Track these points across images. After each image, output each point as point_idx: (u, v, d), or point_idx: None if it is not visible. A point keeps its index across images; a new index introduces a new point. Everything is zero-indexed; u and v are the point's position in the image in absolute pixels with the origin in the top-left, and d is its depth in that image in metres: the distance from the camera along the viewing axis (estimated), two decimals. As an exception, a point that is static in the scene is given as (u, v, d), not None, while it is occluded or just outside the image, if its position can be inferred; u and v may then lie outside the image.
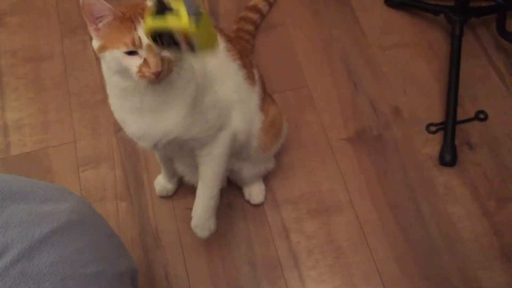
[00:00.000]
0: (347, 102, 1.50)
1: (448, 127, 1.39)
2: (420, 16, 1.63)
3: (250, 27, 1.57)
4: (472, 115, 1.44)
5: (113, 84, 0.93)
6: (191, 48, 0.78)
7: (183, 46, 0.77)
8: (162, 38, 0.77)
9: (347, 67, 1.55)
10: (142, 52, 0.84)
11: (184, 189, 1.35)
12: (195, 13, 0.75)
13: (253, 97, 1.13)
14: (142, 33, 0.82)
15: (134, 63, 0.84)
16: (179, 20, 0.75)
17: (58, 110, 1.50)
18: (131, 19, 0.83)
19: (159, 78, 0.86)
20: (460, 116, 1.42)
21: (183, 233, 1.31)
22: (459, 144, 1.39)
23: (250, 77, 1.11)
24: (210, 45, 0.81)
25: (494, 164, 1.38)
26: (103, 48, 0.86)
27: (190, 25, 0.74)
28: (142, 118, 0.95)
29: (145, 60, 0.84)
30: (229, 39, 1.10)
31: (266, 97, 1.19)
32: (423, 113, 1.46)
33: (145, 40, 0.82)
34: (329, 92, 1.52)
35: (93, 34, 0.87)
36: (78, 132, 1.46)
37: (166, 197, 1.35)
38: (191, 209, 1.22)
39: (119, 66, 0.86)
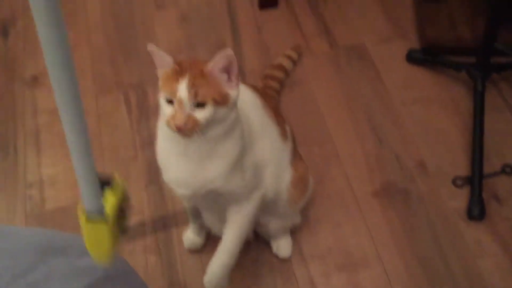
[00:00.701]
0: (372, 156, 1.52)
1: (475, 181, 1.39)
2: (442, 71, 1.66)
3: (275, 85, 1.63)
4: (498, 169, 1.45)
5: (163, 125, 0.97)
6: None
7: None
8: None
9: (371, 122, 1.59)
10: (175, 104, 0.90)
11: (213, 243, 1.36)
12: (95, 214, 0.72)
13: (285, 153, 1.16)
14: (181, 86, 0.89)
15: (168, 111, 0.91)
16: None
17: (91, 166, 1.55)
18: (181, 73, 0.90)
19: (182, 133, 0.90)
20: (486, 169, 1.42)
21: None
22: (486, 198, 1.39)
23: (283, 134, 1.15)
24: (98, 253, 0.77)
25: (523, 218, 1.37)
26: (159, 87, 0.93)
27: (81, 218, 0.72)
28: (185, 164, 0.98)
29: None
30: (264, 97, 1.14)
31: (296, 153, 1.23)
32: (448, 167, 1.47)
33: (179, 94, 0.88)
34: (354, 146, 1.54)
35: (158, 70, 0.95)
36: (110, 187, 1.50)
37: (195, 251, 1.37)
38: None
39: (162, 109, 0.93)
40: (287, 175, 1.17)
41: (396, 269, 1.31)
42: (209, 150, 0.96)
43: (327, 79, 1.70)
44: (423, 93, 1.63)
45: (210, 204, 1.14)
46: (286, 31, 1.82)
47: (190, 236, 1.36)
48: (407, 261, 1.32)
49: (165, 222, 1.43)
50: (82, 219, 0.74)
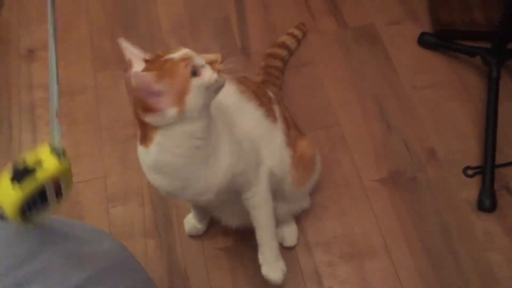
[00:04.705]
0: (380, 142, 1.47)
1: (487, 171, 1.34)
2: (455, 57, 1.61)
3: (278, 63, 1.57)
4: (511, 158, 1.40)
5: (191, 144, 0.89)
6: (58, 194, 0.75)
7: (52, 196, 0.74)
8: (31, 203, 0.71)
9: (379, 106, 1.53)
10: (199, 59, 0.85)
11: (214, 228, 1.32)
12: (60, 152, 0.73)
13: (276, 133, 1.11)
14: (183, 53, 0.85)
15: (207, 74, 0.85)
16: (48, 166, 0.71)
17: (89, 145, 1.50)
18: (166, 61, 0.85)
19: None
20: (499, 159, 1.37)
21: (212, 273, 1.28)
22: (498, 188, 1.35)
23: (270, 115, 1.10)
24: (72, 183, 0.78)
25: (536, 211, 1.33)
26: (181, 102, 0.82)
27: (61, 164, 0.73)
28: (197, 171, 0.92)
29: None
30: (241, 82, 1.08)
31: (291, 132, 1.16)
32: (459, 156, 1.43)
33: (197, 58, 0.85)
34: (361, 131, 1.49)
35: (164, 109, 0.82)
36: (108, 167, 1.45)
37: (195, 236, 1.33)
38: (220, 249, 1.18)
39: (204, 90, 0.84)
40: (286, 155, 1.12)
41: (403, 260, 1.28)
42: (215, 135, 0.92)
43: (335, 60, 1.64)
44: (435, 78, 1.58)
45: (225, 199, 1.08)
46: (293, 10, 1.75)
47: (191, 222, 1.31)
48: (415, 252, 1.29)
49: (165, 205, 1.38)
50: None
